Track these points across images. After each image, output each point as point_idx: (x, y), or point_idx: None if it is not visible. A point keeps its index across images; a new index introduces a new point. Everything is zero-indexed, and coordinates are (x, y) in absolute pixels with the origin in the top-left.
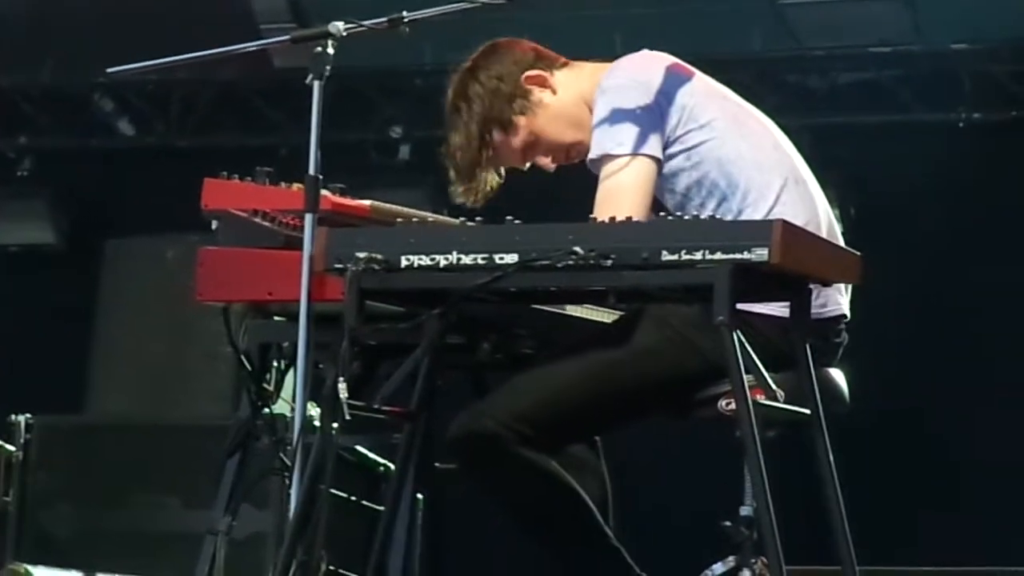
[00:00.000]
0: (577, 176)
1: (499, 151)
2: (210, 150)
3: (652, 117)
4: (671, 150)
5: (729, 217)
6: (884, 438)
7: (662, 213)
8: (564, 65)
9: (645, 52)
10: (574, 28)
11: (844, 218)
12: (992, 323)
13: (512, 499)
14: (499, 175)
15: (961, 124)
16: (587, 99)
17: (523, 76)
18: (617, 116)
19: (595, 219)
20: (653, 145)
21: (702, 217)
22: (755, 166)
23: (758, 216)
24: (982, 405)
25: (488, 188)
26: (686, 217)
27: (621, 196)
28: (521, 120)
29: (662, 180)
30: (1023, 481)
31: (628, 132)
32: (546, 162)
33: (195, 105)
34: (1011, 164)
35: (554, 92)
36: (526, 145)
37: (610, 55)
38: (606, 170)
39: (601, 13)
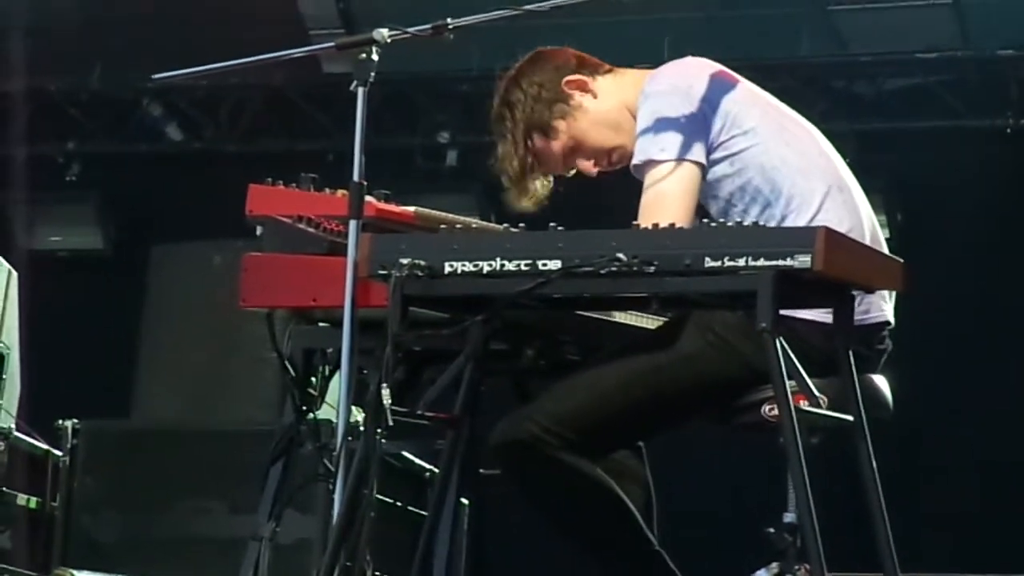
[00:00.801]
0: (620, 183)
1: (541, 156)
2: (258, 155)
3: (696, 123)
4: (714, 156)
5: (772, 224)
6: (928, 444)
7: (705, 220)
8: (608, 72)
9: (689, 58)
10: (622, 33)
11: (890, 224)
12: None
13: (554, 504)
14: (549, 181)
15: (1008, 130)
16: (630, 105)
17: (564, 81)
18: (661, 122)
19: (638, 225)
20: (697, 151)
21: (746, 223)
22: (799, 172)
23: (801, 223)
24: None
25: (541, 194)
26: (729, 223)
27: (666, 202)
28: (562, 124)
29: (706, 186)
30: None
31: (672, 138)
32: (588, 166)
33: (243, 111)
34: None
35: (595, 96)
36: (568, 150)
37: (658, 61)
38: (650, 176)
39: (649, 19)
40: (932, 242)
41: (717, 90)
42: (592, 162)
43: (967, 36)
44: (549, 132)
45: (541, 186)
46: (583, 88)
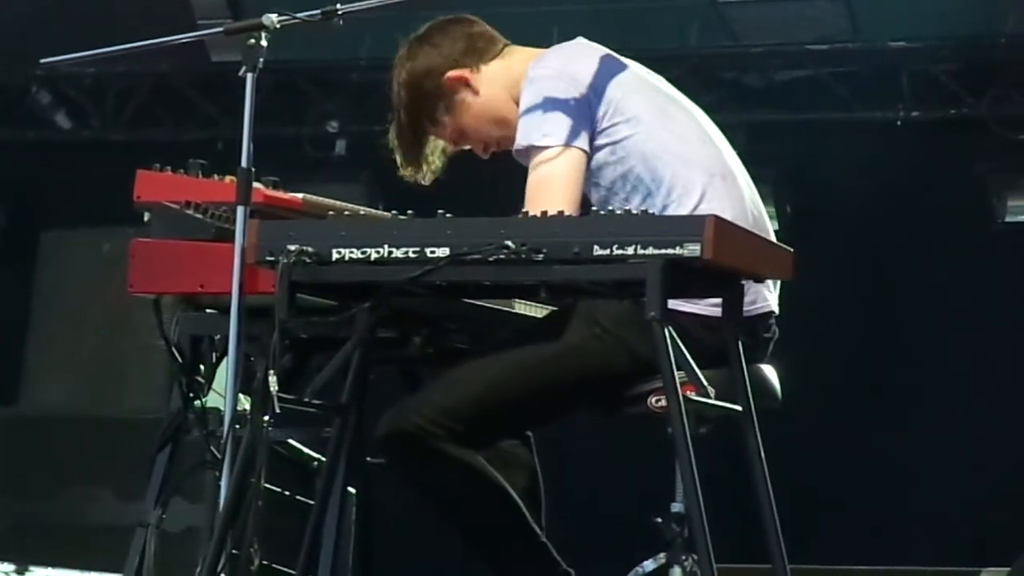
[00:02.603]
0: (512, 171)
1: (433, 137)
2: (147, 144)
3: (580, 109)
4: (597, 143)
5: (654, 212)
6: (815, 435)
7: (593, 208)
8: (498, 54)
9: (578, 41)
10: (511, 23)
11: (780, 215)
12: (926, 321)
13: (439, 496)
14: (444, 155)
15: (899, 122)
16: (515, 93)
17: (444, 77)
18: (544, 107)
19: (526, 212)
20: (581, 137)
21: (634, 212)
22: (680, 161)
23: (683, 212)
24: (913, 402)
25: (435, 168)
26: (617, 212)
27: (552, 188)
28: (446, 118)
29: (588, 173)
30: (952, 479)
31: (555, 123)
32: (478, 149)
33: (132, 99)
34: (948, 162)
35: (476, 92)
36: (454, 138)
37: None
38: (535, 162)
39: (539, 9)
40: (821, 234)
41: (602, 75)
42: (482, 146)
43: (857, 28)
44: (435, 123)
45: (435, 162)
46: (464, 83)
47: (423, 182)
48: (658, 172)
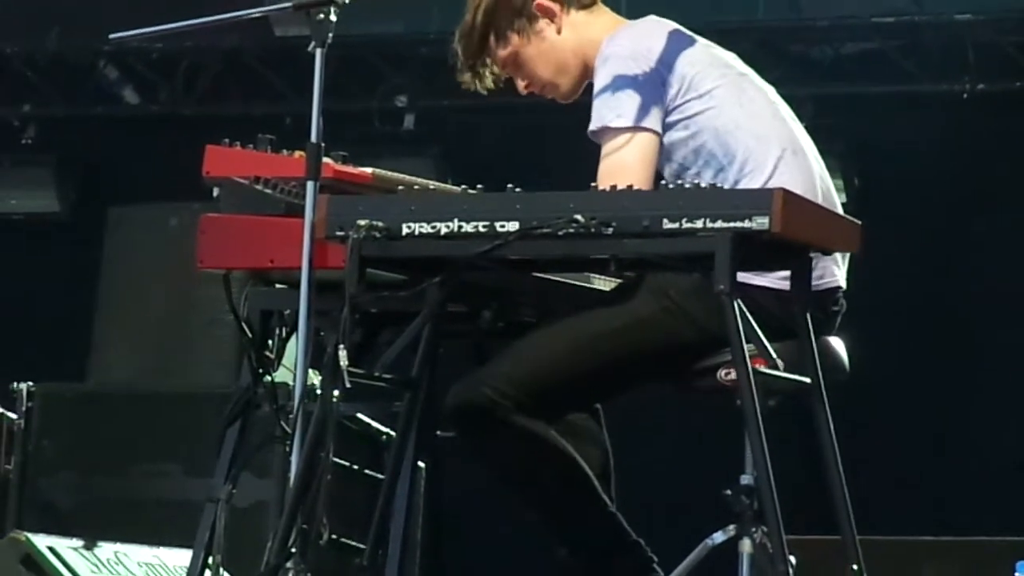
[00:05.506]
0: (582, 146)
1: (489, 53)
2: (215, 118)
3: (653, 88)
4: (670, 119)
5: (726, 187)
6: (882, 407)
7: (662, 182)
8: (588, 6)
9: (650, 19)
10: None
11: (847, 188)
12: (993, 294)
13: (509, 467)
14: (494, 73)
15: (965, 95)
16: (585, 52)
17: (535, 2)
18: (618, 86)
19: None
20: (654, 118)
21: (703, 186)
22: (752, 136)
23: (755, 186)
24: (982, 374)
25: (487, 83)
26: (687, 185)
27: (625, 171)
28: (514, 38)
29: (660, 149)
30: (1019, 451)
31: (629, 104)
32: (520, 84)
33: (200, 74)
34: (1015, 135)
35: (558, 31)
36: (508, 61)
37: None
38: (608, 144)
39: None
40: (889, 207)
41: (675, 52)
42: (524, 84)
43: (920, 1)
44: (500, 38)
45: (489, 77)
46: (550, 17)
47: (479, 89)
48: (730, 147)
